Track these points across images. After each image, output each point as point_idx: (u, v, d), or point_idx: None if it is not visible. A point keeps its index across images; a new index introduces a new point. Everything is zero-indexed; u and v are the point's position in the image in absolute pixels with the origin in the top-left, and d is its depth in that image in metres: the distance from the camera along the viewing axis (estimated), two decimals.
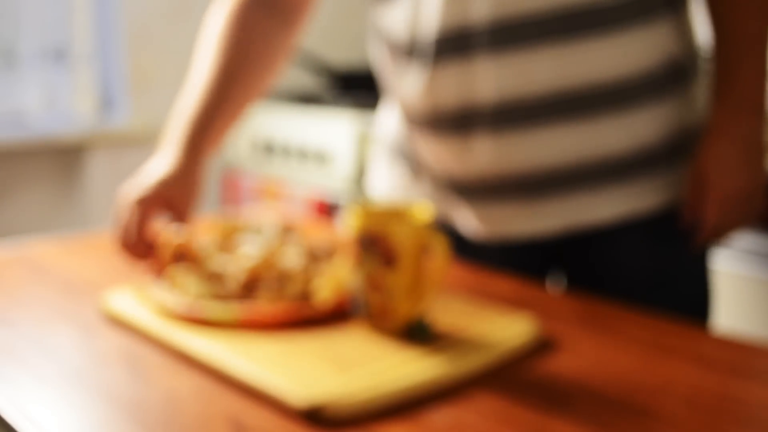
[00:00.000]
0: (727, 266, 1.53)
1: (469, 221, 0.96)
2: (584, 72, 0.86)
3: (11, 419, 0.58)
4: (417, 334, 0.69)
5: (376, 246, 0.70)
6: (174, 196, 0.88)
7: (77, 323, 0.76)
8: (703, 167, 0.90)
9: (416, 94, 0.93)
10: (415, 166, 1.01)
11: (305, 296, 0.76)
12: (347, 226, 0.72)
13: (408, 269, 0.70)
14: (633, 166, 0.90)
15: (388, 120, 1.07)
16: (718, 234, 0.92)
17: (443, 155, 0.94)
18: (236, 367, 0.64)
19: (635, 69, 0.88)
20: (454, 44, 0.89)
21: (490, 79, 0.88)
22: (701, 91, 0.95)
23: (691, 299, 0.93)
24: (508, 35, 0.86)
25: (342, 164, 2.13)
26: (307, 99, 2.41)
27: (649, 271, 0.93)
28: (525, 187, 0.91)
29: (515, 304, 0.81)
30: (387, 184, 1.06)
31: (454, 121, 0.91)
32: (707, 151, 0.90)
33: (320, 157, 2.20)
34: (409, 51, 0.93)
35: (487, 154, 0.90)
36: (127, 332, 0.74)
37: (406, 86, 0.95)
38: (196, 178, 0.92)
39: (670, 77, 0.90)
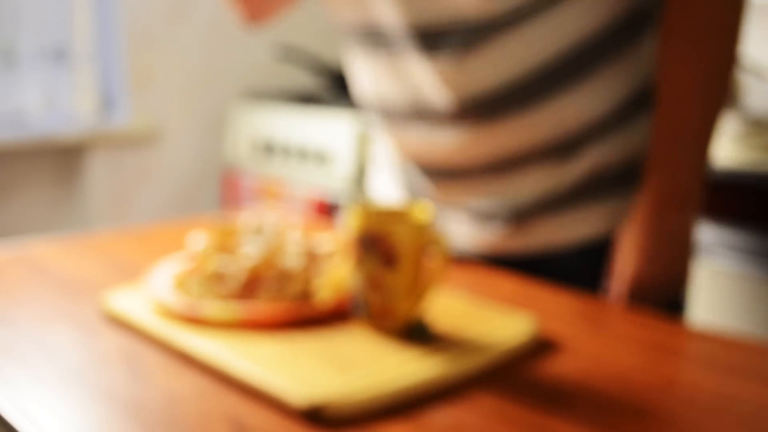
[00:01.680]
0: (727, 266, 1.53)
1: None
2: (546, 130, 0.89)
3: (11, 419, 0.58)
4: (417, 334, 0.69)
5: (376, 246, 0.70)
6: None
7: (77, 323, 0.76)
8: (623, 251, 0.89)
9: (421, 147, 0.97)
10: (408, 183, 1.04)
11: (305, 296, 0.76)
12: (347, 226, 0.72)
13: (408, 269, 0.70)
14: (579, 195, 0.92)
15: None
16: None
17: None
18: (236, 367, 0.64)
19: (578, 121, 0.89)
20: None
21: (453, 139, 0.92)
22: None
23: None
24: (474, 107, 0.90)
25: (342, 164, 2.13)
26: (307, 99, 2.41)
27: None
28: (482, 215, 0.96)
29: (515, 304, 0.82)
30: (387, 192, 1.08)
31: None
32: (629, 236, 0.89)
33: (320, 157, 2.20)
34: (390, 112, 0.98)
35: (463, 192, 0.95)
36: (127, 332, 0.74)
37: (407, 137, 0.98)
38: None
39: (623, 114, 0.91)
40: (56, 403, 0.60)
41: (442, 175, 0.95)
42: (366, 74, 0.98)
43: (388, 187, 1.07)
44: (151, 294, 0.77)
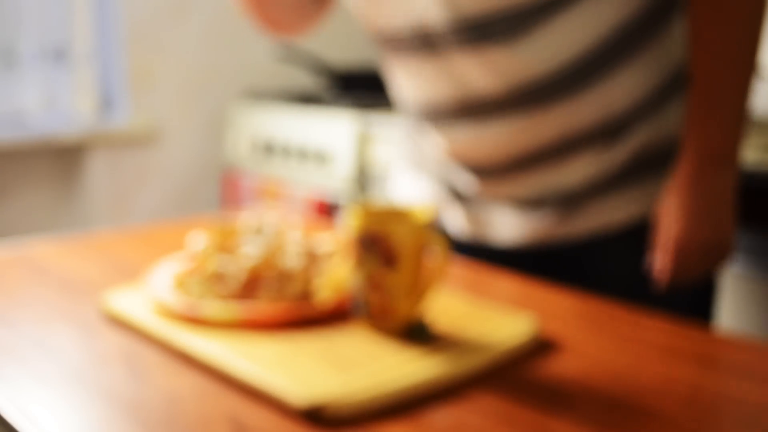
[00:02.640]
0: (727, 266, 1.53)
1: (457, 221, 1.01)
2: (593, 113, 0.90)
3: (11, 419, 0.58)
4: (417, 334, 0.69)
5: (376, 246, 0.70)
6: None
7: (77, 323, 0.76)
8: (666, 216, 0.90)
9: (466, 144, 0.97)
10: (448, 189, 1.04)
11: (305, 296, 0.76)
12: (347, 226, 0.72)
13: (408, 269, 0.70)
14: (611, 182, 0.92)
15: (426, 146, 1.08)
16: (678, 281, 0.90)
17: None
18: (236, 367, 0.64)
19: (625, 103, 0.90)
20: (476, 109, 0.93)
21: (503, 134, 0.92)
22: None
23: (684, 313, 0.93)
24: (519, 97, 0.90)
25: (342, 164, 2.13)
26: (307, 99, 2.41)
27: (638, 282, 0.92)
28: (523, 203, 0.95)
29: (515, 303, 0.81)
30: (411, 193, 1.08)
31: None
32: (672, 200, 0.90)
33: (320, 157, 2.20)
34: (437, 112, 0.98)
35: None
36: (127, 332, 0.74)
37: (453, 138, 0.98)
38: None
39: (665, 94, 0.91)
40: (56, 403, 0.60)
41: (490, 170, 0.95)
42: (410, 78, 0.98)
43: (413, 189, 1.07)
44: (151, 294, 0.77)
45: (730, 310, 1.52)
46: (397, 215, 0.74)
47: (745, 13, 0.86)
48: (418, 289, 0.71)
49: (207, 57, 2.53)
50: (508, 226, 0.96)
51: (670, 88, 0.92)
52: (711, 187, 0.88)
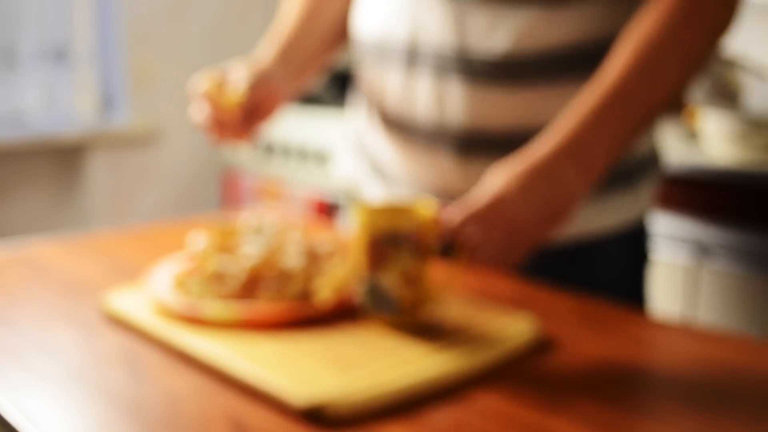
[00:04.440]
0: (727, 266, 1.53)
1: None
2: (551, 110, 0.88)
3: (11, 419, 0.58)
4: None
5: (409, 242, 0.70)
6: (259, 88, 0.98)
7: (77, 323, 0.76)
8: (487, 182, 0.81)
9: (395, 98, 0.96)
10: (376, 166, 1.04)
11: (305, 296, 0.76)
12: (356, 225, 0.72)
13: (431, 260, 0.73)
14: None
15: (357, 117, 1.09)
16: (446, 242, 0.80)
17: (412, 164, 0.97)
18: (236, 367, 0.64)
19: None
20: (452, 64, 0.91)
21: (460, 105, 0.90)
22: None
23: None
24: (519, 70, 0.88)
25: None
26: (307, 99, 2.41)
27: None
28: None
29: (515, 304, 0.81)
30: (349, 173, 1.10)
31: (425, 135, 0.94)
32: (501, 172, 0.81)
33: (320, 157, 2.20)
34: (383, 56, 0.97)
35: (451, 172, 0.92)
36: (127, 332, 0.74)
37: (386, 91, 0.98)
38: (277, 84, 1.01)
39: None
40: (56, 403, 0.60)
41: (414, 132, 0.94)
42: (373, 7, 0.97)
43: (349, 168, 1.08)
44: (151, 294, 0.77)
45: (729, 309, 1.52)
46: (403, 211, 0.75)
47: (690, 14, 0.78)
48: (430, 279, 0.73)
49: (207, 57, 2.53)
50: None
51: None
52: (547, 179, 0.78)
